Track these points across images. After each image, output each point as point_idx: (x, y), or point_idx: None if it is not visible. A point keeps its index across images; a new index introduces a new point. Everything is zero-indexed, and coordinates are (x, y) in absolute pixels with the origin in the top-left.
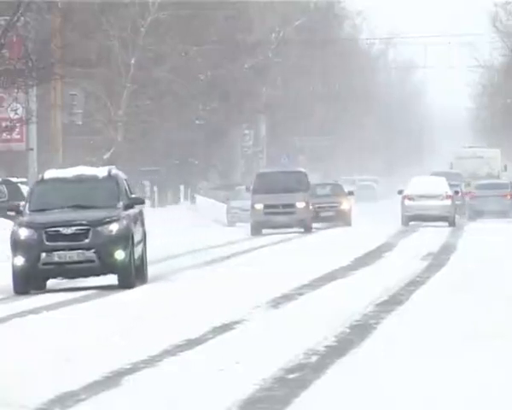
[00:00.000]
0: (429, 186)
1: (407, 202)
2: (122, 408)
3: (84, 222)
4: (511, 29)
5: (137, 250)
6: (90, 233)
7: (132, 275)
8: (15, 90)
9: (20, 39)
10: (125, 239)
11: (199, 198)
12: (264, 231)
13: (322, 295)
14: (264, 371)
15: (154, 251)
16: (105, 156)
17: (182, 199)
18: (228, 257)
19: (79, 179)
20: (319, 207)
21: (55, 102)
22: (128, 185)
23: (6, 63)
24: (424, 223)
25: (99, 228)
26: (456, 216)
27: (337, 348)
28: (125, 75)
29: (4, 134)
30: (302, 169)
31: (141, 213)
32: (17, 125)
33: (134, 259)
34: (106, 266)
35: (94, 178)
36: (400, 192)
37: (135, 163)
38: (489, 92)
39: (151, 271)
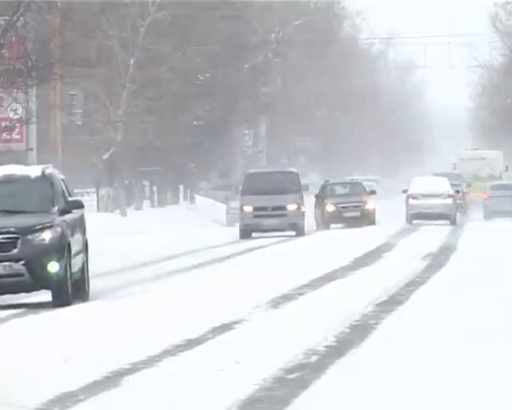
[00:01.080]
0: (432, 186)
1: (411, 201)
2: (122, 408)
3: (11, 230)
4: (511, 29)
5: (76, 262)
6: (19, 242)
7: (68, 291)
8: (15, 90)
9: (20, 39)
10: (60, 249)
11: (198, 198)
12: (253, 234)
13: (322, 295)
14: (264, 371)
15: (154, 251)
16: (104, 156)
17: (181, 199)
18: (228, 257)
19: (8, 180)
20: (342, 207)
21: (55, 102)
22: (66, 187)
23: (6, 63)
24: (425, 223)
25: (29, 236)
26: (458, 214)
27: (337, 348)
28: (124, 75)
29: (4, 134)
30: (294, 169)
31: (81, 218)
32: (17, 125)
33: (71, 272)
34: (37, 281)
35: (25, 179)
36: (405, 191)
37: (134, 163)
38: (488, 92)
39: (150, 271)
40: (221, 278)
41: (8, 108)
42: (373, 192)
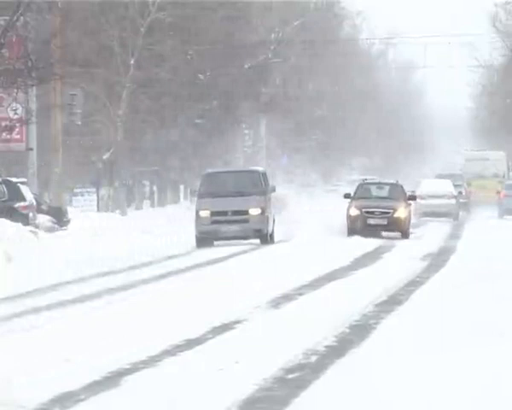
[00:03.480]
0: (437, 187)
1: (419, 201)
2: (122, 408)
3: None
4: (511, 29)
5: None
6: None
7: None
8: (15, 90)
9: (20, 39)
10: None
11: None
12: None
13: (321, 295)
14: (263, 371)
15: (153, 251)
16: (105, 156)
17: (181, 199)
18: (229, 256)
19: None
20: (367, 213)
21: (55, 102)
22: None
23: (6, 63)
24: (424, 223)
25: None
26: (461, 212)
27: (337, 349)
28: (124, 75)
29: (4, 134)
30: (260, 168)
31: None
32: (17, 125)
33: None
34: None
35: None
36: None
37: (135, 163)
38: (489, 92)
39: (151, 271)
40: (221, 278)
41: (8, 108)
42: (412, 197)
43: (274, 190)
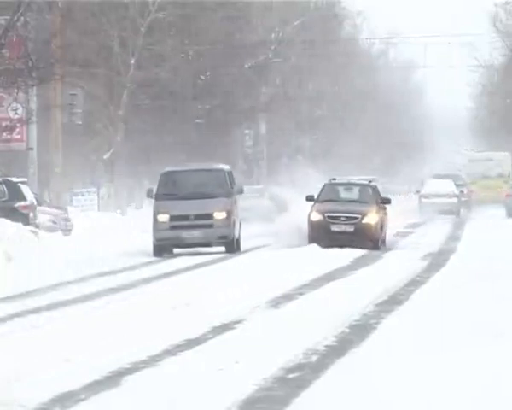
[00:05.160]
0: (440, 187)
1: (423, 200)
2: (122, 408)
3: None
4: (511, 29)
5: None
6: None
7: None
8: (15, 90)
9: (20, 39)
10: None
11: None
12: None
13: (322, 295)
14: (264, 371)
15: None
16: (105, 156)
17: None
18: (230, 256)
19: None
20: (331, 218)
21: (55, 102)
22: None
23: (6, 63)
24: (427, 222)
25: None
26: (463, 210)
27: (337, 348)
28: (124, 75)
29: (4, 134)
30: (225, 166)
31: None
32: (17, 125)
33: None
34: None
35: None
36: (418, 192)
37: (135, 163)
38: (489, 92)
39: (152, 270)
40: (221, 278)
41: (9, 108)
42: (386, 201)
43: (241, 191)
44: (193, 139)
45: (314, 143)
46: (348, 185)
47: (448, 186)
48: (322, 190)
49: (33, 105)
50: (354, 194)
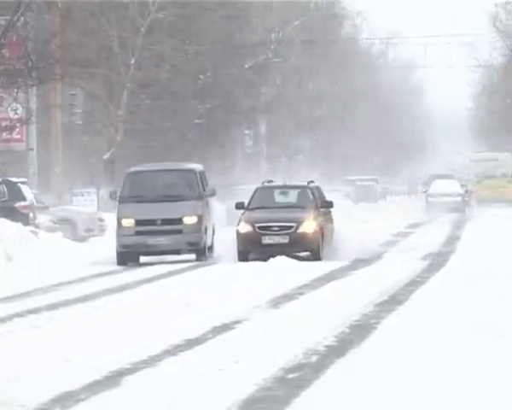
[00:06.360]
0: (446, 187)
1: (430, 199)
2: (122, 408)
3: None
4: (511, 29)
5: None
6: None
7: None
8: (15, 90)
9: (20, 39)
10: None
11: None
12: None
13: (322, 295)
14: (264, 371)
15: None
16: (105, 156)
17: None
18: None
19: None
20: (261, 228)
21: (55, 102)
22: None
23: (6, 63)
24: (427, 223)
25: None
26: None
27: (337, 348)
28: (124, 75)
29: (4, 134)
30: (195, 166)
31: None
32: (17, 125)
33: None
34: None
35: None
36: (425, 192)
37: (135, 163)
38: (489, 92)
39: (152, 270)
40: (221, 277)
41: (9, 108)
42: (329, 204)
43: (214, 193)
44: (193, 139)
45: (314, 143)
46: (283, 189)
47: (453, 186)
48: (253, 195)
49: (33, 105)
50: (290, 198)
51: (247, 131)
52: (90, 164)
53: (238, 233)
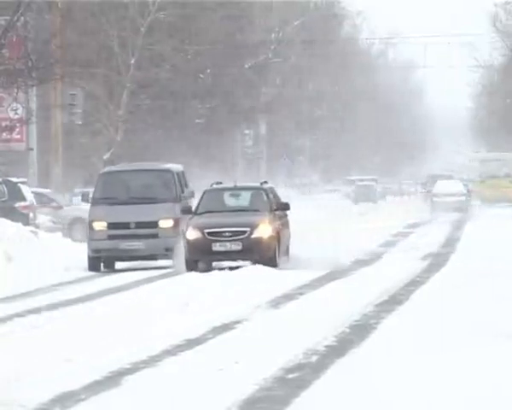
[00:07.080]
0: (450, 187)
1: (434, 198)
2: (122, 408)
3: None
4: (511, 29)
5: None
6: None
7: None
8: (15, 90)
9: (20, 39)
10: None
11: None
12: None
13: (322, 295)
14: (264, 371)
15: None
16: (105, 156)
17: None
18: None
19: None
20: (211, 234)
21: (55, 102)
22: None
23: (6, 63)
24: (427, 223)
25: None
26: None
27: (337, 348)
28: (124, 75)
29: (4, 134)
30: (173, 167)
31: None
32: (17, 125)
33: None
34: None
35: None
36: (429, 192)
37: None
38: (488, 92)
39: (153, 269)
40: (221, 277)
41: (9, 108)
42: (285, 206)
43: (193, 195)
44: (193, 139)
45: (314, 143)
46: (235, 190)
47: (457, 186)
48: (202, 198)
49: (33, 105)
50: (243, 201)
51: (247, 131)
52: (90, 164)
53: (186, 240)
